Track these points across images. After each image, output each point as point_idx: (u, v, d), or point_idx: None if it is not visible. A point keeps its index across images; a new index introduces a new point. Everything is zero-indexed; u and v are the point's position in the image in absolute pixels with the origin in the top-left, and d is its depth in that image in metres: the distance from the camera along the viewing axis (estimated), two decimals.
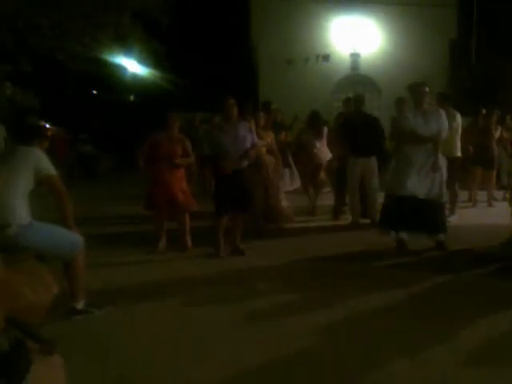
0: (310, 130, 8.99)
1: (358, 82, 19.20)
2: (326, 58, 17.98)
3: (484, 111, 9.62)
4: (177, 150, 6.37)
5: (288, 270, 5.76)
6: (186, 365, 3.52)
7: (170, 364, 3.53)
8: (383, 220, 6.42)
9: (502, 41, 17.25)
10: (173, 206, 6.36)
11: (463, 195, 9.00)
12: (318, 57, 17.95)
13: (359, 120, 7.80)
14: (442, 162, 6.20)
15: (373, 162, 7.76)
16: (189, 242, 6.57)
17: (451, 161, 7.12)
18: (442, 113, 6.33)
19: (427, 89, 6.24)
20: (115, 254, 6.35)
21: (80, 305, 4.35)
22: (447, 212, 7.45)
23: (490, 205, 9.41)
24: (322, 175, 9.17)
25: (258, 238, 6.95)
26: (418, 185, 6.02)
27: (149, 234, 6.77)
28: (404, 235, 6.28)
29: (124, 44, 13.91)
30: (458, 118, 7.85)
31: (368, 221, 7.84)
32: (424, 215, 6.04)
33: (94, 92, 20.48)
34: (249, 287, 5.12)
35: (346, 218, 8.25)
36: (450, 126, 7.11)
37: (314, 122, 9.18)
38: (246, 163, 6.17)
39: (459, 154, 7.82)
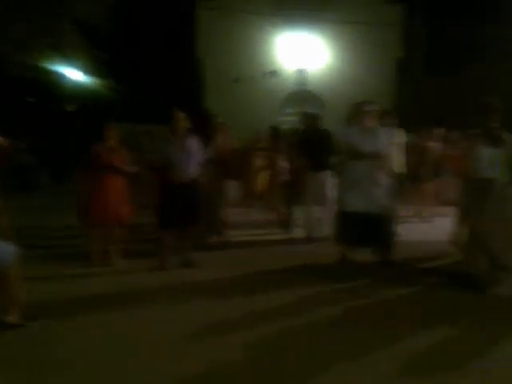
0: (274, 144, 9.00)
1: (304, 97, 19.36)
2: (273, 73, 18.07)
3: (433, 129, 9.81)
4: (116, 161, 6.26)
5: (236, 282, 5.67)
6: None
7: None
8: (337, 235, 6.41)
9: (448, 58, 17.81)
10: (104, 218, 6.19)
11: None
12: (265, 74, 18.00)
13: (316, 136, 7.88)
14: (385, 177, 6.25)
15: (327, 176, 7.79)
16: (113, 256, 6.34)
17: (393, 177, 7.22)
18: (383, 131, 6.44)
19: (373, 107, 6.32)
20: (51, 267, 6.18)
21: (12, 318, 4.19)
22: None
23: (427, 221, 9.53)
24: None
25: (205, 251, 6.84)
26: (363, 201, 6.07)
27: (87, 246, 6.48)
28: (354, 250, 6.34)
29: (64, 52, 13.56)
30: (402, 134, 7.97)
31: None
32: (371, 230, 6.09)
33: (32, 100, 19.80)
34: (193, 299, 5.02)
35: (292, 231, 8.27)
36: (393, 142, 7.22)
37: (278, 137, 9.30)
38: (194, 174, 6.09)
39: (401, 170, 7.93)
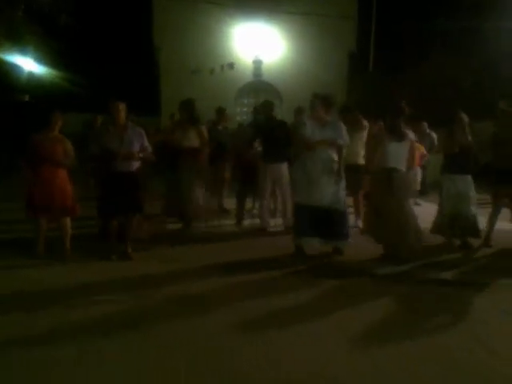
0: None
1: (260, 88, 19.56)
2: (231, 65, 18.10)
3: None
4: (58, 151, 6.09)
5: (174, 276, 5.53)
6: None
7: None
8: (295, 227, 6.45)
9: (397, 53, 18.18)
10: (51, 210, 6.10)
11: None
12: (222, 66, 17.95)
13: (269, 126, 7.71)
14: (342, 169, 6.26)
15: (283, 168, 7.72)
16: (68, 248, 6.26)
17: (355, 169, 7.30)
18: (341, 124, 6.42)
19: (330, 100, 6.29)
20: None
21: None
22: (355, 218, 7.80)
23: None
24: None
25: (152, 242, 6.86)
26: (316, 194, 6.17)
27: (29, 238, 6.40)
28: (311, 242, 6.34)
29: (19, 41, 13.32)
30: (367, 126, 7.91)
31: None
32: (324, 222, 6.19)
33: None
34: (128, 293, 4.93)
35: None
36: (356, 134, 7.39)
37: None
38: (135, 165, 6.13)
39: (363, 162, 7.84)
